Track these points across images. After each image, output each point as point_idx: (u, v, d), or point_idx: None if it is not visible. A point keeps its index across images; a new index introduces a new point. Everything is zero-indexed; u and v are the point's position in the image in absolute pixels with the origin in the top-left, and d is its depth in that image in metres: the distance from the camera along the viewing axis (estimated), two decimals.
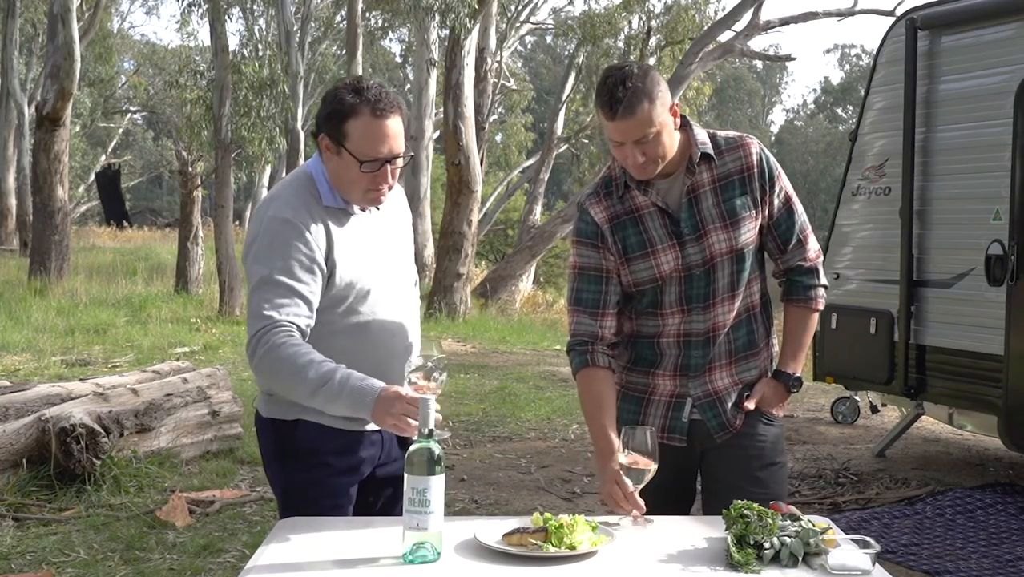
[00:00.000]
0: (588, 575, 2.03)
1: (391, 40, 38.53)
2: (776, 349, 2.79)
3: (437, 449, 2.07)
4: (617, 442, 2.50)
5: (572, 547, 2.09)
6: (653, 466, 2.39)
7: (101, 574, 4.28)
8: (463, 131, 14.62)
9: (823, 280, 2.77)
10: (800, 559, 2.06)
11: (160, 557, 4.47)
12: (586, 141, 26.63)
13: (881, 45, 6.49)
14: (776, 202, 2.67)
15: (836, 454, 6.63)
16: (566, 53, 33.06)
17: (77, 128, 29.22)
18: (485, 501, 5.56)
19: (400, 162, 2.46)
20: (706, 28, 20.70)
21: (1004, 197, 5.43)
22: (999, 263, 5.45)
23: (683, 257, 2.61)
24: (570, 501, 5.59)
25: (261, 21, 31.03)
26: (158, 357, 9.56)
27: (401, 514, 2.09)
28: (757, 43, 28.12)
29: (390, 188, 2.50)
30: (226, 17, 18.10)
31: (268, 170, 31.83)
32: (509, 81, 27.38)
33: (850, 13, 20.14)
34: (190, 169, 15.07)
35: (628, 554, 2.13)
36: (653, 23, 22.95)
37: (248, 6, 28.14)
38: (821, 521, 2.23)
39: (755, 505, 2.16)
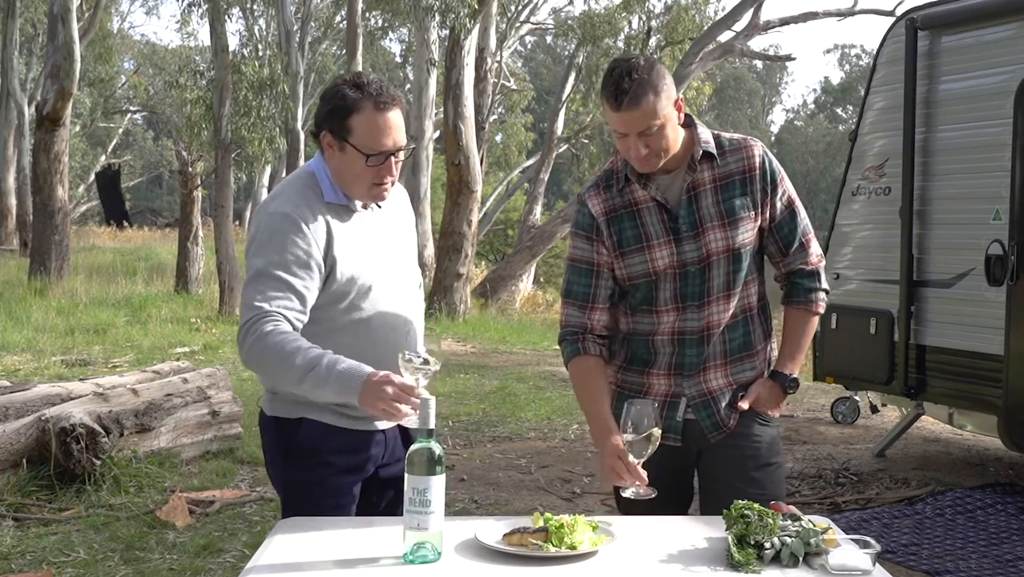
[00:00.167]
0: (588, 575, 2.03)
1: (391, 40, 38.52)
2: (774, 354, 2.78)
3: (437, 449, 2.07)
4: (614, 423, 2.52)
5: (572, 547, 2.09)
6: (656, 438, 2.40)
7: (101, 574, 4.28)
8: (463, 131, 14.62)
9: (824, 284, 2.76)
10: (800, 559, 2.06)
11: (160, 557, 4.47)
12: (586, 141, 26.61)
13: (881, 45, 6.49)
14: (778, 205, 2.67)
15: (836, 454, 6.63)
16: (566, 53, 33.07)
17: (77, 128, 29.22)
18: (485, 501, 5.56)
19: (402, 155, 2.48)
20: (706, 28, 20.69)
21: (1004, 197, 5.43)
22: (999, 263, 5.45)
23: (678, 254, 2.61)
24: (570, 501, 5.59)
25: (261, 21, 31.02)
26: (158, 357, 9.56)
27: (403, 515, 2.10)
28: (757, 43, 28.14)
29: (393, 183, 2.51)
30: (226, 17, 18.11)
31: (268, 170, 31.83)
32: (509, 81, 27.38)
33: (850, 13, 20.14)
34: (190, 169, 15.07)
35: (628, 554, 2.13)
36: (653, 23, 22.93)
37: (248, 6, 28.12)
38: (821, 521, 2.23)
39: (755, 505, 2.16)
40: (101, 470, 5.27)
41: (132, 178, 43.18)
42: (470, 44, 15.19)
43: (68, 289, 14.68)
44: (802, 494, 5.72)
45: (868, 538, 2.14)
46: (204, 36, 40.37)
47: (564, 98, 25.27)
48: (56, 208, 15.54)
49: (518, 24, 26.71)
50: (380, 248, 2.56)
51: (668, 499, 2.70)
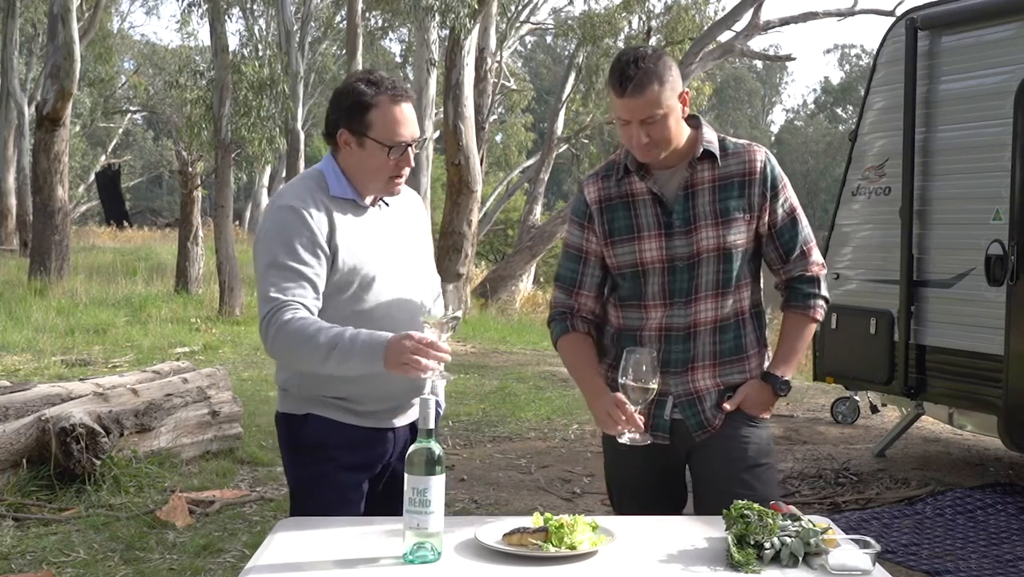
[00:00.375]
0: (588, 575, 2.03)
1: (391, 40, 38.56)
2: (768, 363, 2.78)
3: (437, 449, 2.08)
4: (607, 389, 2.59)
5: (572, 547, 2.09)
6: (654, 385, 2.42)
7: (101, 574, 4.28)
8: (463, 131, 14.62)
9: (824, 292, 2.75)
10: (800, 559, 2.06)
11: (160, 557, 4.47)
12: (586, 141, 26.61)
13: (881, 45, 6.49)
14: (779, 212, 2.68)
15: (836, 454, 6.63)
16: (566, 53, 33.06)
17: (77, 128, 29.20)
18: (485, 501, 5.56)
19: (416, 147, 2.57)
20: (706, 28, 20.70)
21: (1004, 197, 5.43)
22: (999, 263, 5.45)
23: (667, 248, 2.63)
24: (570, 501, 5.59)
25: (261, 21, 31.03)
26: (158, 357, 9.56)
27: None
28: (757, 43, 28.12)
29: (405, 177, 2.59)
30: (226, 17, 18.09)
31: (268, 170, 31.85)
32: (509, 81, 27.36)
33: (850, 13, 20.16)
34: (190, 169, 15.07)
35: (628, 554, 2.13)
36: (653, 23, 22.93)
37: (248, 6, 28.12)
38: (821, 521, 2.23)
39: (755, 505, 2.16)
40: (101, 470, 5.27)
41: (132, 178, 43.18)
42: (470, 44, 15.19)
43: (68, 289, 14.68)
44: (802, 494, 5.72)
45: (868, 538, 2.14)
46: (204, 36, 40.40)
47: (564, 98, 25.26)
48: (56, 208, 15.54)
49: (518, 24, 26.70)
50: (385, 243, 2.58)
51: (661, 500, 2.73)
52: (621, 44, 23.10)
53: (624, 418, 2.46)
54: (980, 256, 5.56)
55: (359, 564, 2.07)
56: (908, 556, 4.65)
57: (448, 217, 14.88)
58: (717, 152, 2.65)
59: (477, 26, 15.41)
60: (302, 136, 18.86)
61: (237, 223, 28.30)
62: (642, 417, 2.47)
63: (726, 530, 2.14)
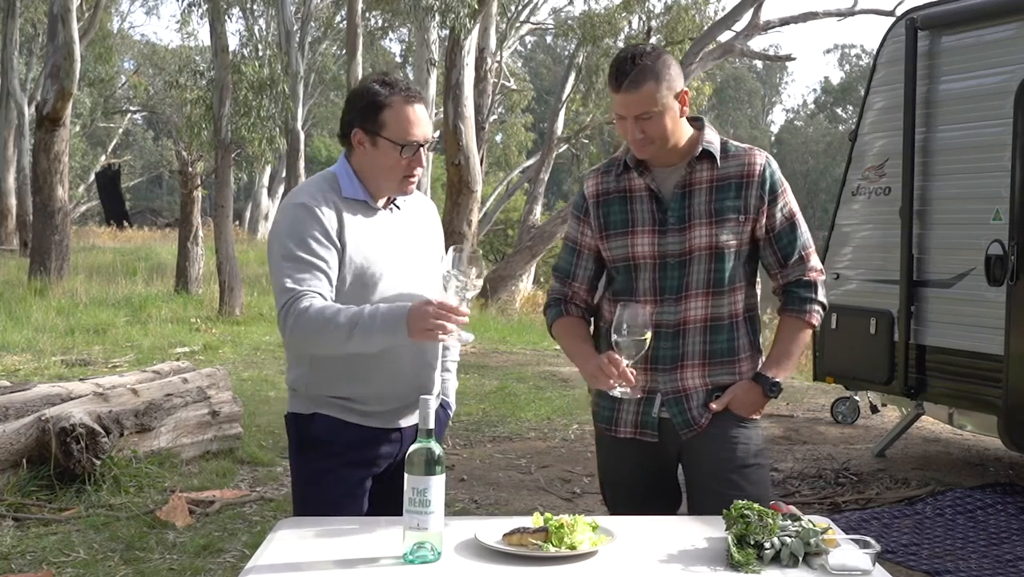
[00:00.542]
0: (588, 575, 2.03)
1: (391, 40, 38.57)
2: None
3: (437, 449, 2.08)
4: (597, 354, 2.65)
5: (572, 547, 2.09)
6: (647, 336, 2.45)
7: (101, 574, 4.28)
8: (463, 131, 14.63)
9: (822, 297, 2.75)
10: (800, 559, 2.06)
11: (160, 557, 4.47)
12: (586, 141, 26.62)
13: (881, 45, 6.49)
14: (778, 216, 2.69)
15: (836, 454, 6.63)
16: (566, 53, 33.06)
17: (77, 128, 29.21)
18: (485, 501, 5.56)
19: (428, 146, 2.61)
20: (706, 28, 20.69)
21: (1004, 197, 5.43)
22: (999, 263, 5.45)
23: (660, 244, 2.65)
24: (570, 501, 5.59)
25: (261, 21, 31.04)
26: (158, 357, 9.56)
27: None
28: (757, 43, 28.14)
29: (419, 179, 2.62)
30: (226, 17, 18.08)
31: (268, 170, 31.85)
32: (509, 81, 27.36)
33: (850, 13, 20.15)
34: (190, 169, 15.06)
35: (628, 554, 2.13)
36: (653, 23, 22.92)
37: (248, 6, 28.13)
38: (821, 521, 2.23)
39: (755, 505, 2.16)
40: (101, 470, 5.27)
41: (132, 178, 43.18)
42: (470, 44, 15.19)
43: (68, 289, 14.68)
44: (802, 494, 5.72)
45: (868, 538, 2.14)
46: (204, 36, 40.41)
47: (564, 98, 25.27)
48: (56, 208, 15.53)
49: (518, 24, 26.70)
50: (394, 245, 2.61)
51: (654, 499, 2.75)
52: (621, 44, 23.10)
53: (617, 372, 2.49)
54: (980, 256, 5.56)
55: (359, 564, 2.07)
56: (908, 556, 4.65)
57: (448, 217, 14.88)
58: (717, 153, 2.67)
59: (477, 26, 15.41)
60: (302, 136, 18.87)
61: (237, 223, 28.31)
62: (634, 372, 2.50)
63: (726, 530, 2.14)
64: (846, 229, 6.62)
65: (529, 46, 48.38)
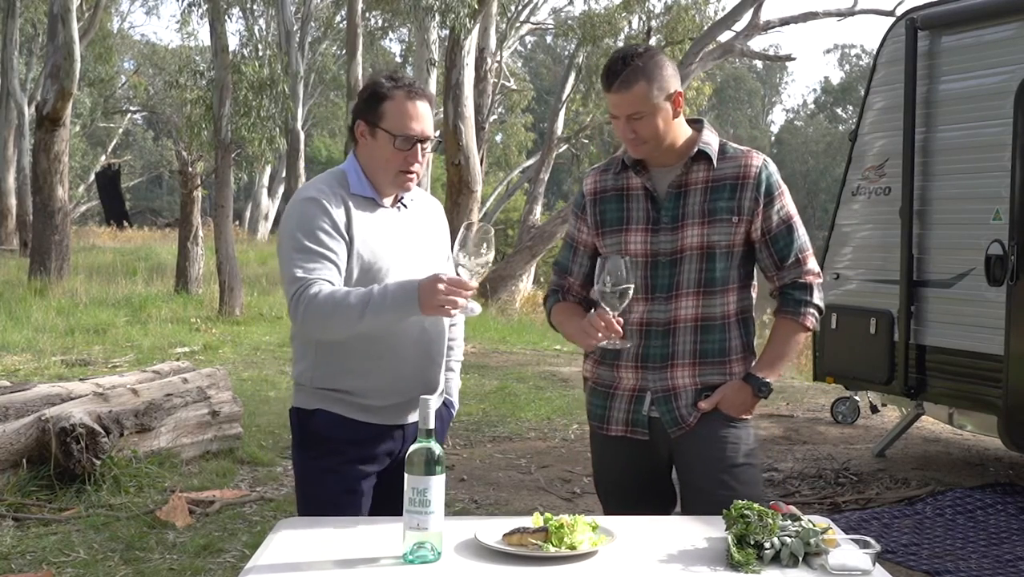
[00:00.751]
0: (588, 575, 2.03)
1: (391, 40, 38.55)
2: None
3: (437, 449, 2.08)
4: None
5: (572, 547, 2.09)
6: (630, 285, 2.48)
7: (101, 574, 4.28)
8: (463, 131, 14.63)
9: (817, 301, 2.74)
10: (800, 559, 2.06)
11: (160, 557, 4.47)
12: (586, 141, 26.62)
13: (881, 45, 6.49)
14: (774, 218, 2.69)
15: (836, 454, 6.63)
16: (566, 53, 33.06)
17: (77, 128, 29.21)
18: (485, 501, 5.56)
19: (429, 146, 2.63)
20: (706, 28, 20.69)
21: (1004, 197, 5.43)
22: (999, 263, 5.45)
23: (652, 243, 2.67)
24: (570, 501, 5.59)
25: (261, 21, 31.05)
26: (158, 357, 9.56)
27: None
28: (757, 43, 28.14)
29: (419, 177, 2.64)
30: (226, 17, 18.08)
31: (268, 170, 31.84)
32: (509, 81, 27.36)
33: (850, 13, 20.14)
34: (190, 169, 15.06)
35: (628, 554, 2.13)
36: (653, 23, 22.93)
37: (248, 6, 28.13)
38: (821, 521, 2.23)
39: (755, 505, 2.16)
40: (101, 470, 5.26)
41: (132, 178, 43.17)
42: (470, 44, 15.19)
43: (68, 289, 14.67)
44: (802, 494, 5.72)
45: (868, 538, 2.14)
46: (204, 36, 40.38)
47: (564, 98, 25.27)
48: (56, 208, 15.53)
49: (518, 24, 26.71)
50: (400, 242, 2.63)
51: (648, 499, 2.76)
52: (621, 44, 23.10)
53: (603, 324, 2.51)
54: (980, 256, 5.56)
55: (359, 564, 2.07)
56: (908, 556, 4.65)
57: (448, 217, 14.82)
58: (714, 154, 2.69)
59: (477, 26, 15.41)
60: (302, 136, 18.87)
61: (237, 223, 28.30)
62: (620, 321, 2.52)
63: (726, 530, 2.14)
64: (846, 229, 6.62)
65: (529, 46, 48.39)
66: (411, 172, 2.60)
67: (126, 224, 31.23)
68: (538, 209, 24.10)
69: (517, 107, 34.10)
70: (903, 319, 6.01)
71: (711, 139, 2.70)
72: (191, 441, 6.03)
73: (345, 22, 20.85)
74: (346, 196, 2.58)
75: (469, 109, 15.00)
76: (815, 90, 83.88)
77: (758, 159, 2.70)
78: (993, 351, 5.44)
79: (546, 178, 24.78)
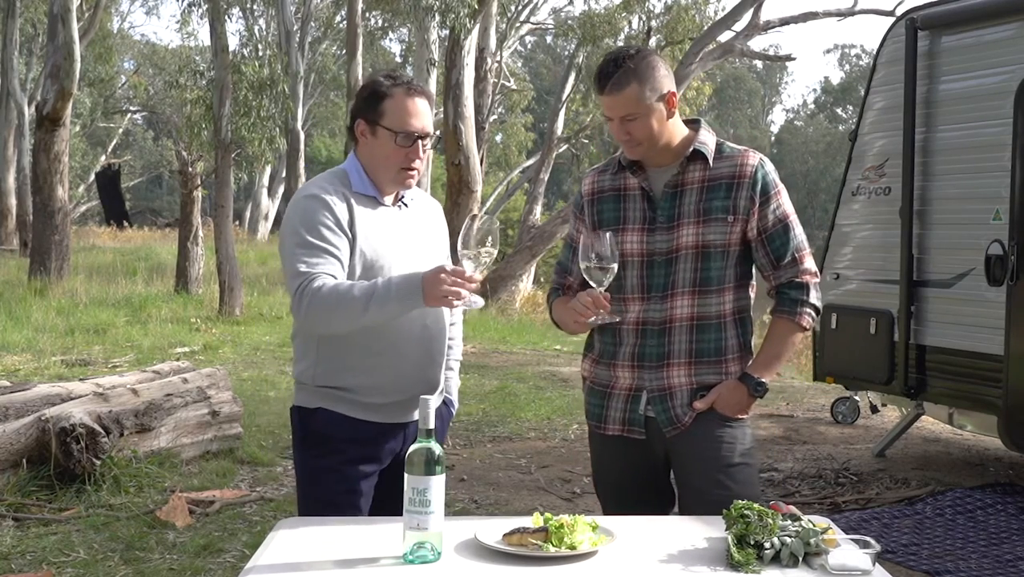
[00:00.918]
0: (588, 575, 2.03)
1: (391, 40, 38.55)
2: None
3: (437, 449, 2.08)
4: None
5: (572, 547, 2.09)
6: (614, 266, 2.50)
7: (101, 574, 4.28)
8: (463, 131, 14.63)
9: (813, 300, 2.74)
10: (800, 559, 2.06)
11: (160, 557, 4.47)
12: (586, 141, 26.61)
13: (881, 45, 6.49)
14: (770, 218, 2.69)
15: (836, 454, 6.63)
16: (566, 53, 33.05)
17: (77, 128, 29.21)
18: (485, 501, 5.56)
19: (429, 143, 2.64)
20: (706, 28, 20.69)
21: (1004, 197, 5.43)
22: (999, 263, 5.45)
23: (648, 242, 2.68)
24: (570, 501, 5.59)
25: (261, 21, 31.04)
26: (158, 357, 9.56)
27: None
28: (757, 43, 28.12)
29: (419, 175, 2.65)
30: (226, 17, 18.07)
31: (268, 170, 31.83)
32: (509, 81, 27.36)
33: (850, 13, 20.14)
34: (190, 169, 15.06)
35: (628, 554, 2.13)
36: (653, 23, 22.93)
37: (248, 6, 28.13)
38: (821, 521, 2.23)
39: (755, 505, 2.16)
40: (101, 470, 5.26)
41: (132, 178, 43.16)
42: (470, 44, 15.19)
43: (68, 289, 14.67)
44: (802, 494, 5.72)
45: (868, 538, 2.14)
46: (204, 36, 40.39)
47: (564, 98, 25.27)
48: (56, 208, 15.53)
49: (518, 24, 26.70)
50: (402, 240, 2.64)
51: (646, 499, 2.77)
52: (621, 44, 23.10)
53: (591, 300, 2.53)
54: (980, 256, 5.56)
55: (359, 564, 2.07)
56: (908, 556, 4.65)
57: (448, 217, 14.81)
58: (710, 154, 2.69)
59: (477, 26, 15.41)
60: (302, 136, 18.87)
61: (237, 223, 28.30)
62: (607, 296, 2.54)
63: (726, 530, 2.14)
64: (846, 229, 6.62)
65: (529, 46, 48.37)
66: (412, 169, 2.61)
67: (126, 224, 31.22)
68: (538, 209, 24.09)
69: (517, 107, 34.10)
70: (903, 319, 6.01)
71: (707, 139, 2.71)
72: (191, 441, 6.03)
73: (345, 22, 20.84)
74: (348, 194, 2.58)
75: (469, 109, 14.99)
76: (815, 90, 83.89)
77: (754, 158, 2.71)
78: (993, 351, 5.44)
79: (546, 178, 24.78)
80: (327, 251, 2.50)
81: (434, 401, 2.14)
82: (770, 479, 5.99)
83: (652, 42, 22.21)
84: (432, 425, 2.10)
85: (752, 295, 2.78)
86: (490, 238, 2.40)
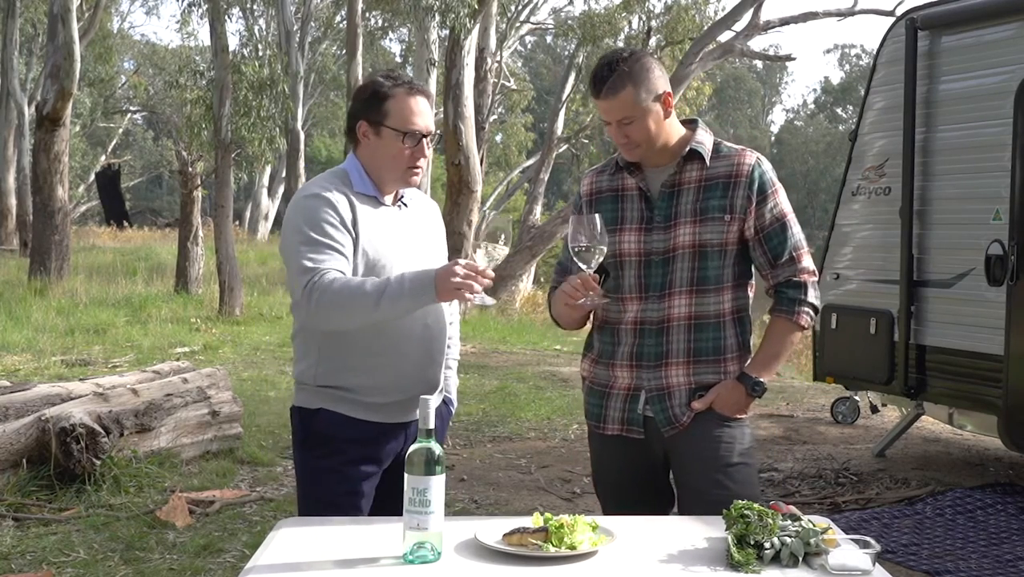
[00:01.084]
0: (588, 575, 2.03)
1: (391, 40, 38.54)
2: None
3: (437, 449, 2.08)
4: None
5: (572, 547, 2.09)
6: (603, 247, 2.52)
7: (101, 574, 4.28)
8: (463, 131, 14.61)
9: (812, 299, 2.73)
10: (800, 559, 2.06)
11: (160, 557, 4.47)
12: (586, 141, 26.60)
13: (881, 45, 6.49)
14: (767, 216, 2.70)
15: (836, 454, 6.63)
16: (566, 53, 33.05)
17: (77, 128, 29.20)
18: (485, 501, 5.56)
19: (432, 141, 2.66)
20: (706, 28, 20.68)
21: (1004, 197, 5.43)
22: (999, 263, 5.45)
23: (645, 242, 2.69)
24: (570, 501, 5.59)
25: (261, 21, 31.04)
26: (158, 357, 9.56)
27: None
28: (757, 43, 28.13)
29: (423, 170, 2.67)
30: (226, 17, 18.07)
31: (268, 170, 31.82)
32: (509, 81, 27.35)
33: (850, 13, 20.13)
34: (190, 169, 15.06)
35: (628, 554, 2.13)
36: (653, 23, 22.92)
37: (248, 6, 28.13)
38: (821, 521, 2.23)
39: (755, 505, 2.16)
40: (101, 470, 5.26)
41: (132, 178, 43.15)
42: (470, 44, 15.17)
43: (68, 289, 14.67)
44: (802, 494, 5.72)
45: (868, 538, 2.14)
46: (204, 36, 40.38)
47: (564, 98, 25.26)
48: (56, 208, 15.53)
49: (518, 24, 26.70)
50: (403, 240, 2.65)
51: (646, 499, 2.77)
52: (621, 44, 23.09)
53: (579, 282, 2.55)
54: (980, 256, 5.56)
55: (359, 564, 2.07)
56: (908, 556, 4.65)
57: (448, 217, 14.84)
58: (707, 153, 2.70)
59: (477, 26, 15.40)
60: (302, 136, 18.86)
61: (237, 223, 28.29)
62: (596, 278, 2.56)
63: (726, 530, 2.14)
64: (846, 229, 6.62)
65: (529, 46, 48.37)
66: (418, 167, 2.63)
67: (126, 224, 31.21)
68: (538, 209, 24.09)
69: (517, 107, 34.09)
70: (903, 319, 6.01)
71: (705, 138, 2.72)
72: (191, 441, 6.03)
73: (345, 22, 20.84)
74: (350, 193, 2.59)
75: (469, 109, 14.98)
76: (815, 90, 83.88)
77: (751, 157, 2.71)
78: (993, 351, 5.43)
79: (546, 178, 24.78)
80: (333, 248, 2.49)
81: (434, 401, 2.14)
82: (770, 479, 5.99)
83: (652, 42, 22.20)
84: (432, 425, 2.10)
85: (751, 294, 2.78)
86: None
